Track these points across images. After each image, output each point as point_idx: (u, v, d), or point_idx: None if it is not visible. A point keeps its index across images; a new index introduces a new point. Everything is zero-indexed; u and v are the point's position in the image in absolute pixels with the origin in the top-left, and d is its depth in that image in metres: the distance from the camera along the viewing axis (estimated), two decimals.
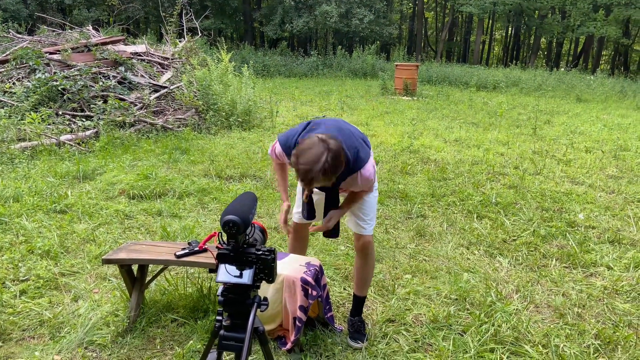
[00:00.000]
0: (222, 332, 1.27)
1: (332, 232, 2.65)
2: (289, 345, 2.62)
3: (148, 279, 2.96)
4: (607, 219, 4.81)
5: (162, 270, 3.04)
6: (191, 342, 2.66)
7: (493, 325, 2.88)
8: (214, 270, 2.69)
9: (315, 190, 2.61)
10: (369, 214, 2.74)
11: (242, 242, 1.23)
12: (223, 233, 1.23)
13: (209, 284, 3.16)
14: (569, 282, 3.54)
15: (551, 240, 4.28)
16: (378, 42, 31.35)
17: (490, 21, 39.98)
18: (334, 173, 2.05)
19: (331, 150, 2.03)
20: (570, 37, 31.15)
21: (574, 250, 4.01)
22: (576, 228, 4.56)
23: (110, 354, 2.59)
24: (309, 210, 2.69)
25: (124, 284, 2.95)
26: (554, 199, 5.34)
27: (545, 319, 3.06)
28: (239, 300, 1.23)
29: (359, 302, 2.87)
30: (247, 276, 1.22)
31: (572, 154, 7.56)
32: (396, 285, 3.41)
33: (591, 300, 3.29)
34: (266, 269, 1.24)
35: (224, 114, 8.90)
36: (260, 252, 1.23)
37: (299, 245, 3.08)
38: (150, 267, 3.20)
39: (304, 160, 2.00)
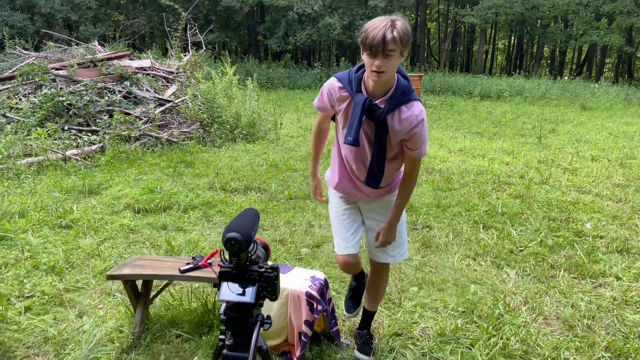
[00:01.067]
0: (225, 351, 1.25)
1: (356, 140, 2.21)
2: None
3: (152, 294, 2.95)
4: (615, 228, 4.77)
5: (166, 286, 3.03)
6: (196, 358, 2.64)
7: (501, 338, 2.84)
8: (218, 285, 2.69)
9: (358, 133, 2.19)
10: (403, 235, 2.57)
11: (244, 260, 1.21)
12: (225, 250, 1.22)
13: (213, 299, 3.15)
14: (577, 293, 3.50)
15: (559, 250, 4.24)
16: None
17: (493, 31, 40.08)
18: (406, 36, 1.95)
19: (399, 20, 1.97)
20: (574, 46, 31.13)
21: (582, 261, 3.97)
22: (584, 238, 4.52)
23: None
24: (355, 133, 2.16)
25: (129, 300, 2.94)
26: (560, 209, 5.30)
27: (555, 331, 3.02)
28: (241, 318, 1.22)
29: (368, 315, 2.82)
30: (249, 294, 1.20)
31: (578, 162, 7.52)
32: (403, 298, 3.38)
33: (601, 312, 3.24)
34: (269, 287, 1.22)
35: (228, 126, 8.93)
36: (263, 270, 1.22)
37: (358, 282, 2.84)
38: (155, 282, 3.19)
39: (372, 25, 1.94)
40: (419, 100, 2.17)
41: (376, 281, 2.73)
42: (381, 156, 2.26)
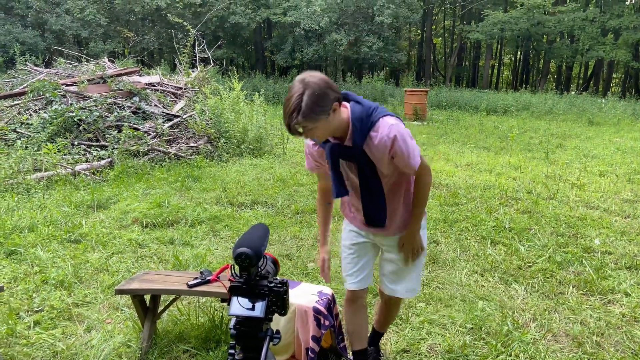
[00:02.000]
0: None
1: (338, 192, 2.17)
2: None
3: (160, 308, 2.96)
4: (624, 244, 4.73)
5: (174, 300, 3.04)
6: None
7: (510, 355, 2.82)
8: (226, 300, 2.69)
9: (344, 163, 2.14)
10: (410, 273, 2.37)
11: (254, 275, 1.23)
12: (235, 265, 1.24)
13: (221, 314, 3.15)
14: (586, 309, 3.47)
15: (567, 266, 4.21)
16: (387, 68, 31.69)
17: (499, 46, 40.28)
18: (313, 111, 1.76)
19: (309, 85, 1.76)
20: (580, 61, 31.20)
21: (591, 277, 3.94)
22: (592, 254, 4.49)
23: None
24: (335, 184, 2.14)
25: (137, 314, 2.95)
26: (568, 224, 5.27)
27: (564, 348, 2.99)
28: (251, 333, 1.23)
29: (377, 335, 2.80)
30: (259, 309, 1.22)
31: (585, 178, 7.49)
32: (410, 314, 3.36)
33: (610, 328, 3.21)
34: (278, 302, 1.23)
35: (235, 141, 9.00)
36: (273, 285, 1.23)
37: (358, 320, 2.53)
38: (163, 296, 3.20)
39: (284, 107, 1.81)
40: (388, 115, 1.98)
41: (385, 310, 2.65)
42: (372, 193, 2.13)
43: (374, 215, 2.19)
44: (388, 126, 1.92)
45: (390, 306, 2.60)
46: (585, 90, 26.96)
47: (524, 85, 29.25)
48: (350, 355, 2.84)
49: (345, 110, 1.95)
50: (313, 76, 1.80)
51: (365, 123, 1.94)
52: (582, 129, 14.02)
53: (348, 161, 2.07)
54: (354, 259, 2.42)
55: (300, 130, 1.81)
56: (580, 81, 39.33)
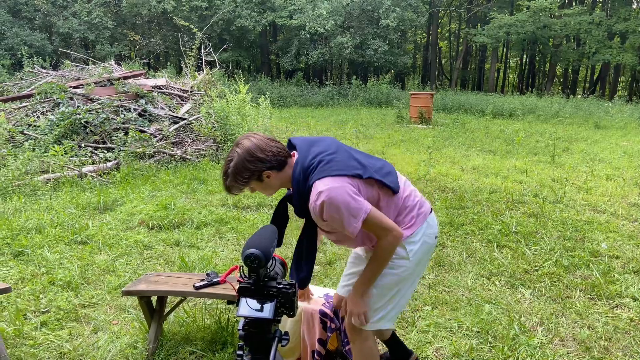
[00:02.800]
0: None
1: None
2: None
3: (167, 310, 2.97)
4: (631, 248, 4.70)
5: (180, 302, 3.04)
6: None
7: (517, 359, 2.80)
8: (232, 301, 2.70)
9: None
10: (377, 301, 2.06)
11: (263, 276, 1.23)
12: (244, 266, 1.24)
13: (227, 316, 3.15)
14: (594, 314, 3.45)
15: (574, 270, 4.19)
16: (392, 71, 31.72)
17: (505, 49, 40.21)
18: (240, 177, 1.80)
19: (237, 152, 1.81)
20: (586, 65, 31.12)
21: (599, 281, 3.91)
22: (600, 258, 4.46)
23: None
24: (274, 217, 2.11)
25: (143, 316, 2.95)
26: (575, 228, 5.24)
27: (571, 353, 2.97)
28: (259, 334, 1.23)
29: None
30: (268, 310, 1.22)
31: (592, 181, 7.45)
32: (416, 317, 3.35)
33: (617, 333, 3.19)
34: (287, 303, 1.24)
35: None
36: (282, 286, 1.23)
37: (357, 330, 2.36)
38: (169, 298, 3.21)
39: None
40: (325, 176, 1.80)
41: (353, 352, 2.29)
42: (301, 251, 2.01)
43: (295, 271, 2.04)
44: (317, 193, 1.78)
45: (352, 341, 2.26)
46: (591, 94, 26.86)
47: (530, 89, 29.20)
48: None
49: (287, 172, 1.92)
50: (243, 145, 1.81)
51: (301, 188, 1.86)
52: (589, 132, 13.96)
53: (297, 215, 2.02)
54: (350, 263, 2.41)
55: (234, 192, 1.89)
56: (587, 84, 39.19)
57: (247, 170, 1.79)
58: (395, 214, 2.01)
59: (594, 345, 3.03)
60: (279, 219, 2.09)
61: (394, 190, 1.97)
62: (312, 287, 2.83)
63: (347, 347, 2.78)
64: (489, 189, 6.91)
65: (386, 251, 1.91)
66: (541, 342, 3.05)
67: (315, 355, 2.56)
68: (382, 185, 1.94)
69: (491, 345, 3.02)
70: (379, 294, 2.05)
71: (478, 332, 3.18)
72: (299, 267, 2.02)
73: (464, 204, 6.14)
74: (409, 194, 2.08)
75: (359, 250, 2.33)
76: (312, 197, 1.80)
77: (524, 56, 39.72)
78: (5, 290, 2.69)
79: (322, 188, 1.76)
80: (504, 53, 41.13)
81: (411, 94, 16.11)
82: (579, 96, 26.38)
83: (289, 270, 1.73)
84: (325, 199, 1.75)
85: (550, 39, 30.20)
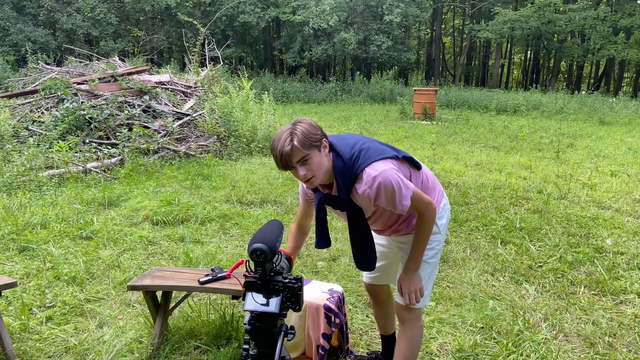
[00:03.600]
0: None
1: (321, 243, 2.17)
2: None
3: (172, 305, 2.98)
4: (636, 244, 4.69)
5: (185, 297, 3.05)
6: None
7: (521, 355, 2.81)
8: (237, 296, 2.71)
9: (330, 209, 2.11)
10: (422, 279, 2.19)
11: (269, 270, 1.23)
12: (250, 261, 1.24)
13: (231, 311, 3.16)
14: (598, 310, 3.44)
15: (579, 266, 4.18)
16: (396, 67, 31.63)
17: (509, 45, 40.04)
18: (309, 136, 1.76)
19: (300, 122, 1.81)
20: (591, 60, 30.95)
21: (603, 277, 3.91)
22: (604, 254, 4.45)
23: None
24: (318, 234, 2.14)
25: (148, 310, 2.97)
26: (580, 224, 5.23)
27: (575, 349, 2.97)
28: (266, 328, 1.24)
29: (386, 341, 2.75)
30: (274, 304, 1.22)
31: (597, 177, 7.43)
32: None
33: (622, 329, 3.19)
34: (293, 297, 1.24)
35: (245, 140, 9.02)
36: (287, 280, 1.24)
37: (381, 312, 2.64)
38: (174, 293, 3.22)
39: (274, 141, 1.78)
40: (373, 162, 1.88)
41: (399, 340, 2.33)
42: (360, 240, 2.07)
43: (362, 262, 2.15)
44: (371, 179, 1.84)
45: (404, 328, 2.31)
46: (596, 90, 26.75)
47: (534, 85, 29.06)
48: (358, 353, 2.85)
49: (330, 160, 1.90)
50: (301, 121, 1.83)
51: (347, 178, 1.89)
52: (593, 128, 13.90)
53: (336, 209, 2.05)
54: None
55: (296, 159, 1.76)
56: (591, 80, 39.00)
57: (317, 130, 1.80)
58: (423, 190, 2.12)
59: (598, 341, 3.03)
60: (323, 220, 2.10)
61: (418, 166, 2.12)
62: (316, 283, 2.84)
63: (347, 345, 2.80)
64: (493, 185, 6.90)
65: (429, 223, 2.04)
66: (545, 338, 3.05)
67: (320, 350, 2.57)
68: (412, 163, 2.08)
69: (495, 340, 3.02)
70: (423, 271, 2.18)
71: (482, 327, 3.18)
72: (366, 254, 2.10)
73: (468, 200, 6.13)
74: (427, 172, 2.22)
75: (381, 240, 2.40)
76: (365, 183, 1.85)
77: (528, 52, 39.55)
78: (11, 285, 2.71)
79: (375, 173, 1.83)
80: (508, 49, 40.97)
81: (415, 90, 16.07)
82: (584, 92, 26.26)
83: (293, 265, 1.72)
84: (381, 181, 1.82)
85: (555, 35, 30.06)
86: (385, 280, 2.53)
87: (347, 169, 1.87)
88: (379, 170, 1.84)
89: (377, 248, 2.32)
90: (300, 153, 1.74)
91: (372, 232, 2.13)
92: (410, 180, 2.04)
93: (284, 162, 1.74)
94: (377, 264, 2.34)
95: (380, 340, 2.79)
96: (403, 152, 2.08)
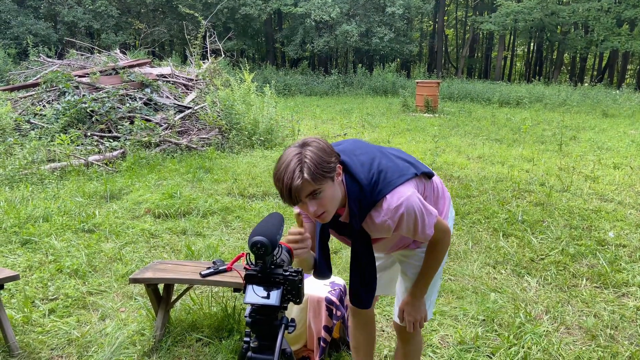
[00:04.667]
0: (249, 353, 1.27)
1: (322, 272, 1.86)
2: None
3: (173, 298, 2.99)
4: (638, 237, 4.67)
5: (187, 290, 3.06)
6: None
7: (523, 347, 2.81)
8: (238, 289, 2.71)
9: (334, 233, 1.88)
10: (430, 295, 2.05)
11: (269, 263, 1.23)
12: (251, 254, 1.24)
13: (233, 304, 3.17)
14: (600, 302, 3.44)
15: (581, 259, 4.18)
16: (398, 59, 31.51)
17: (512, 37, 39.82)
18: (321, 166, 1.49)
19: (308, 142, 1.54)
20: (594, 52, 30.75)
21: (605, 270, 3.90)
22: (606, 247, 4.44)
23: None
24: (321, 262, 1.84)
25: (150, 303, 2.98)
26: (582, 217, 5.22)
27: (577, 341, 2.97)
28: (266, 321, 1.24)
29: None
30: (274, 297, 1.22)
31: (599, 170, 7.40)
32: None
33: (624, 322, 3.19)
34: (293, 290, 1.24)
35: (246, 133, 9.01)
36: (288, 273, 1.24)
37: (363, 336, 2.31)
38: (176, 286, 3.23)
39: (279, 172, 1.50)
40: (395, 187, 1.65)
41: (401, 351, 2.18)
42: (362, 272, 1.84)
43: (360, 296, 1.89)
44: (393, 208, 1.62)
45: (406, 339, 2.14)
46: (599, 82, 26.61)
47: (537, 77, 28.94)
48: None
49: (343, 185, 1.66)
50: (309, 137, 1.59)
51: (364, 205, 1.66)
52: (596, 121, 13.85)
53: (342, 235, 1.83)
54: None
55: (305, 194, 1.50)
56: (595, 72, 38.80)
57: (326, 163, 1.51)
58: (435, 200, 1.95)
59: (599, 333, 3.03)
60: (325, 248, 1.84)
61: (430, 175, 1.90)
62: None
63: (349, 337, 2.80)
64: (495, 177, 6.88)
65: (443, 251, 1.87)
66: (547, 331, 3.05)
67: (321, 342, 2.57)
68: (425, 174, 1.86)
69: (497, 333, 3.02)
70: (431, 288, 2.03)
71: (483, 320, 3.18)
72: (367, 286, 1.86)
73: (470, 192, 6.12)
74: (437, 180, 2.01)
75: (379, 254, 2.13)
76: (386, 213, 1.63)
77: (532, 44, 39.33)
78: (14, 278, 2.72)
79: (398, 202, 1.62)
80: (511, 41, 40.74)
81: (417, 83, 16.01)
82: (587, 84, 26.13)
83: (294, 259, 1.63)
84: (404, 211, 1.62)
85: (558, 26, 29.86)
86: (378, 290, 2.19)
87: (365, 195, 1.64)
88: (402, 199, 1.62)
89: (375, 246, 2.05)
90: (311, 187, 1.48)
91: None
92: (424, 193, 1.85)
93: (292, 197, 1.49)
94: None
95: None
96: (420, 164, 1.86)
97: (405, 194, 1.63)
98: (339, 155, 1.62)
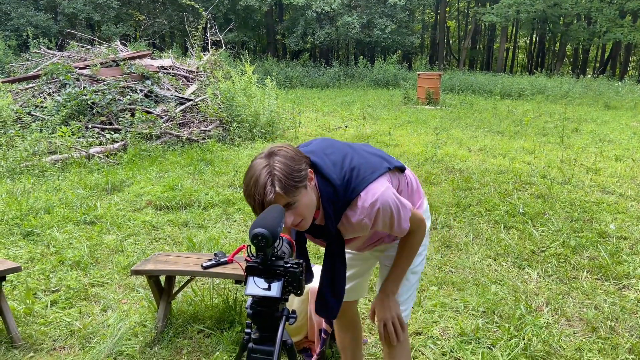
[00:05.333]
0: (250, 344, 1.27)
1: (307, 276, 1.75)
2: (314, 358, 2.62)
3: (175, 289, 3.00)
4: None
5: (189, 281, 3.07)
6: (218, 353, 2.68)
7: (523, 339, 2.82)
8: (239, 281, 2.72)
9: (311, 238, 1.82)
10: (403, 294, 1.94)
11: (270, 255, 1.23)
12: (252, 246, 1.24)
13: (234, 295, 3.18)
14: (601, 294, 3.45)
15: (582, 251, 4.18)
16: (400, 51, 31.38)
17: (514, 28, 39.60)
18: (291, 176, 1.43)
19: (275, 152, 1.47)
20: (597, 44, 30.60)
21: (606, 262, 3.90)
22: (607, 239, 4.44)
23: None
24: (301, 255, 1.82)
25: (152, 295, 2.99)
26: (583, 209, 5.21)
27: (577, 333, 2.98)
28: (267, 313, 1.24)
29: None
30: (275, 289, 1.22)
31: (601, 162, 7.39)
32: (422, 297, 3.37)
33: (624, 313, 3.19)
34: (295, 282, 1.24)
35: (247, 125, 9.00)
36: (289, 265, 1.24)
37: (349, 337, 2.25)
38: (177, 277, 3.24)
39: (247, 185, 1.43)
40: (368, 184, 1.60)
41: (384, 350, 2.02)
42: (334, 279, 1.76)
43: (325, 305, 1.79)
44: (368, 205, 1.58)
45: (390, 345, 1.95)
46: (601, 74, 26.48)
47: (539, 69, 28.80)
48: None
49: (316, 188, 1.59)
50: (276, 145, 1.53)
51: (338, 206, 1.60)
52: (598, 113, 13.80)
53: (318, 238, 1.75)
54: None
55: (283, 204, 1.44)
56: (597, 64, 38.61)
57: (297, 172, 1.45)
58: (410, 194, 1.90)
59: (600, 325, 3.04)
60: (303, 251, 1.81)
61: (403, 169, 1.85)
62: (319, 267, 2.84)
63: None
64: (497, 170, 6.87)
65: (418, 243, 1.83)
66: (547, 322, 3.06)
67: (322, 334, 2.58)
68: (398, 169, 1.81)
69: (497, 325, 3.03)
70: (407, 284, 1.94)
71: (484, 312, 3.19)
72: (335, 295, 1.78)
73: (471, 185, 6.12)
74: (410, 174, 1.95)
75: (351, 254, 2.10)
76: (361, 212, 1.59)
77: (534, 35, 39.12)
78: (15, 270, 2.73)
79: (372, 198, 1.58)
80: (514, 32, 40.52)
81: (419, 75, 15.95)
82: (589, 76, 26.00)
83: (295, 252, 1.61)
84: (380, 207, 1.58)
85: (561, 18, 29.67)
86: (355, 295, 2.16)
87: (339, 196, 1.59)
88: (376, 195, 1.58)
89: (348, 247, 1.95)
90: (285, 200, 1.42)
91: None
92: (399, 187, 1.81)
93: (259, 205, 1.42)
94: (348, 272, 2.01)
95: None
96: (392, 158, 1.81)
97: (380, 190, 1.59)
98: (308, 158, 1.56)
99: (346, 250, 1.82)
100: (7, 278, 3.02)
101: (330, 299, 1.77)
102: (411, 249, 1.83)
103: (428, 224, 1.98)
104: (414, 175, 1.98)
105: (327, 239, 1.70)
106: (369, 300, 3.30)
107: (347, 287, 1.96)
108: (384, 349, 2.00)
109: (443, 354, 2.74)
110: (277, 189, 1.39)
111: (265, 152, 1.47)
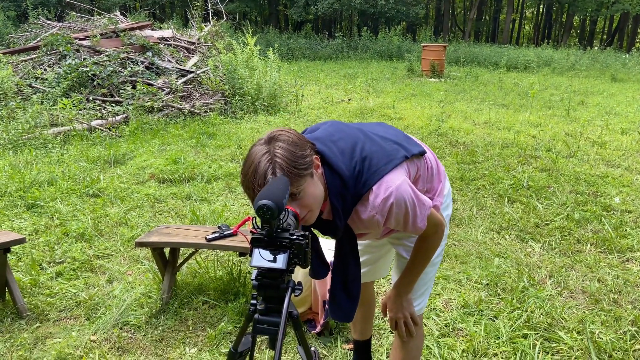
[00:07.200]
0: (256, 316, 1.27)
1: (317, 271, 1.71)
2: (318, 329, 2.63)
3: (180, 261, 3.01)
4: None
5: (193, 254, 3.08)
6: (222, 323, 2.70)
7: (526, 311, 2.83)
8: (243, 253, 2.72)
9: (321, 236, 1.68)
10: (419, 289, 1.82)
11: (275, 227, 1.22)
12: (257, 218, 1.22)
13: (239, 267, 3.19)
14: (604, 267, 3.45)
15: (586, 224, 4.17)
16: (404, 22, 30.83)
17: None
18: (295, 164, 1.28)
19: (276, 136, 1.31)
20: (605, 15, 29.99)
21: (610, 235, 3.90)
22: (612, 212, 4.43)
23: (144, 335, 2.65)
24: (314, 262, 1.68)
25: (157, 267, 3.00)
26: (588, 182, 5.19)
27: (580, 305, 2.99)
28: (273, 284, 1.23)
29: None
30: (281, 261, 1.21)
31: (607, 135, 7.32)
32: None
33: (627, 286, 3.20)
34: (300, 254, 1.22)
35: (249, 98, 8.91)
36: (294, 237, 1.22)
37: (359, 315, 2.17)
38: (182, 250, 3.25)
39: (245, 174, 1.30)
40: (382, 176, 1.42)
41: (397, 348, 1.94)
42: (346, 279, 1.62)
43: (340, 307, 1.64)
44: (381, 201, 1.41)
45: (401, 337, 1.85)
46: (609, 46, 26.07)
47: (546, 40, 28.36)
48: None
49: (323, 178, 1.43)
50: (276, 129, 1.36)
51: (348, 200, 1.44)
52: (605, 85, 13.62)
53: (326, 234, 1.57)
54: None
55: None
56: (604, 36, 37.95)
57: (301, 158, 1.30)
58: (429, 179, 1.71)
59: (603, 298, 3.05)
60: (316, 247, 1.67)
61: (423, 153, 1.63)
62: (323, 241, 2.84)
63: None
64: (501, 143, 6.82)
65: (434, 248, 1.67)
66: (550, 295, 3.07)
67: (326, 305, 2.60)
68: (417, 154, 1.59)
69: (500, 297, 3.04)
70: (424, 279, 1.83)
71: (487, 284, 3.20)
72: (350, 296, 1.64)
73: (476, 158, 6.08)
74: (430, 155, 1.75)
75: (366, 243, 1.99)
76: (373, 208, 1.42)
77: (541, 6, 38.35)
78: (20, 241, 2.73)
79: (386, 193, 1.40)
80: (520, 3, 39.72)
81: (423, 46, 15.71)
82: (596, 48, 25.58)
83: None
84: (394, 202, 1.41)
85: None
86: (372, 276, 2.08)
87: (348, 189, 1.42)
88: (390, 189, 1.40)
89: (360, 240, 1.81)
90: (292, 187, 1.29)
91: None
92: (418, 174, 1.62)
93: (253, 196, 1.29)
94: (362, 258, 1.84)
95: (353, 346, 2.34)
96: (411, 142, 1.60)
97: (395, 183, 1.41)
98: (313, 144, 1.40)
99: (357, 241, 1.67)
100: (11, 250, 3.03)
101: (345, 302, 1.63)
102: (426, 253, 1.68)
103: (449, 211, 1.84)
104: (434, 155, 1.78)
105: (335, 235, 1.54)
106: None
107: (363, 270, 1.89)
108: (394, 338, 1.94)
109: (446, 326, 2.76)
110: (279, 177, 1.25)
111: (264, 138, 1.33)
